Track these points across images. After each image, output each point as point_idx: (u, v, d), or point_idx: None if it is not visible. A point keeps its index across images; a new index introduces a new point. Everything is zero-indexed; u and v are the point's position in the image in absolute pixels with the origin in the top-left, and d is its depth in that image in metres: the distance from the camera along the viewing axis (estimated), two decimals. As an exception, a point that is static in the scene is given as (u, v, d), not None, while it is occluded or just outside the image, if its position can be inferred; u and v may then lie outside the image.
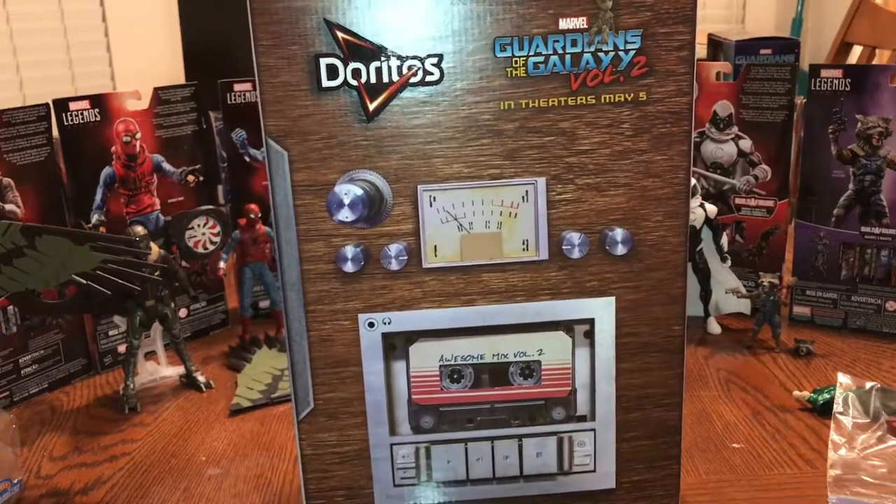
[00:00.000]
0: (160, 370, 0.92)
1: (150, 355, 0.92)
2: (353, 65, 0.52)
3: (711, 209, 0.97)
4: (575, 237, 0.54)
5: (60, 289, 0.85)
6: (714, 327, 0.99)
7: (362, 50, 0.51)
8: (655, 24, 0.51)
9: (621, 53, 0.52)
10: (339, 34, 0.51)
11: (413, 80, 0.52)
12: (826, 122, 0.94)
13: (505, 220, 0.55)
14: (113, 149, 0.93)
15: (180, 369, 0.91)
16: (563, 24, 0.51)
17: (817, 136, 0.95)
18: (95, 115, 0.91)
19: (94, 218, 0.92)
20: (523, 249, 0.56)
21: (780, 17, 2.48)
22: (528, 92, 0.53)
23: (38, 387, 0.89)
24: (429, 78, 0.52)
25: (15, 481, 0.70)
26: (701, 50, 1.34)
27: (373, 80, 0.52)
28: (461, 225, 0.55)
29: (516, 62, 0.52)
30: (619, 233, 0.54)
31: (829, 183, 0.96)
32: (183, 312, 1.01)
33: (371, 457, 0.59)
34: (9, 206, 0.85)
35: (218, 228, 0.96)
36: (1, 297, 0.74)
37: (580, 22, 0.51)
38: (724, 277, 0.99)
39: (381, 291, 0.56)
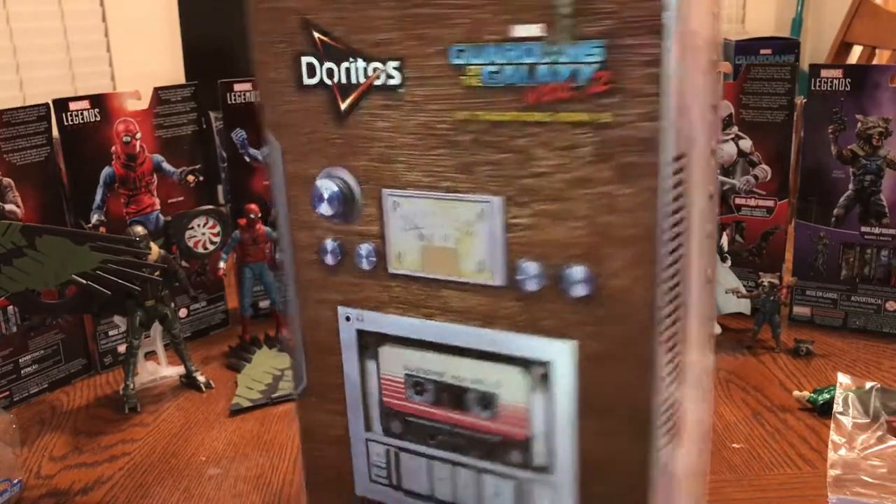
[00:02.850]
0: (160, 370, 0.92)
1: (150, 355, 0.92)
2: (327, 64, 0.52)
3: (711, 209, 0.97)
4: (530, 267, 0.50)
5: (60, 289, 0.85)
6: (714, 327, 0.99)
7: (334, 50, 0.52)
8: (620, 33, 0.45)
9: (581, 67, 0.46)
10: (315, 34, 0.52)
11: (377, 82, 0.52)
12: (826, 122, 0.94)
13: (462, 236, 0.52)
14: (113, 149, 0.93)
15: (180, 369, 0.91)
16: (519, 31, 0.47)
17: (817, 136, 0.95)
18: (95, 115, 0.91)
19: (94, 218, 0.92)
20: (479, 271, 0.52)
21: (779, 16, 2.48)
22: (483, 103, 0.49)
23: (38, 387, 0.89)
24: (390, 82, 0.51)
25: (15, 481, 0.70)
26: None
27: (343, 80, 0.52)
28: (422, 235, 0.54)
29: (471, 71, 0.49)
30: (577, 270, 0.49)
31: (829, 183, 0.96)
32: (183, 312, 1.01)
33: (351, 447, 0.59)
34: (9, 206, 0.85)
35: (218, 228, 0.96)
36: (1, 297, 0.74)
37: (537, 29, 0.46)
38: (724, 277, 0.99)
39: (355, 288, 0.56)
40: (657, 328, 0.49)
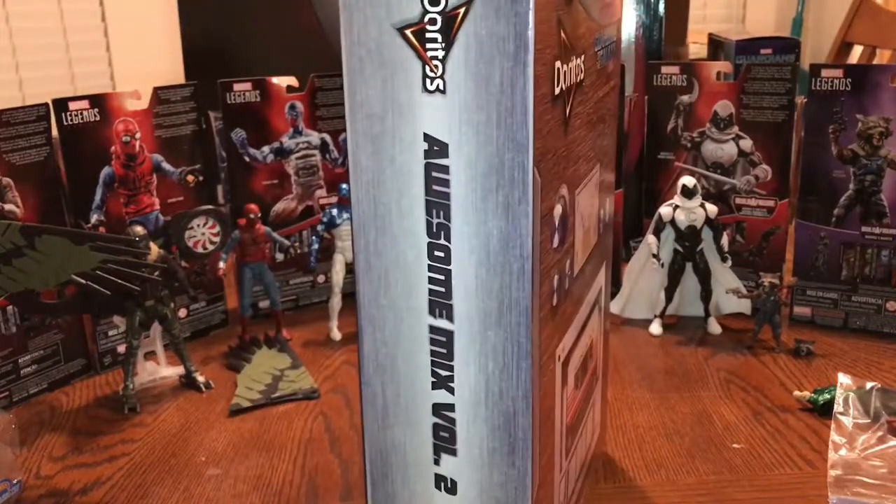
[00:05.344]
0: (160, 370, 0.92)
1: (150, 355, 0.92)
2: (563, 67, 0.46)
3: (712, 209, 0.97)
4: None
5: (60, 289, 0.85)
6: (714, 327, 0.99)
7: (567, 49, 0.47)
8: None
9: None
10: (562, 32, 0.45)
11: (579, 78, 0.52)
12: (826, 121, 0.94)
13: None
14: (112, 149, 0.93)
15: (180, 369, 0.90)
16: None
17: (818, 135, 0.95)
18: (95, 115, 0.91)
19: (94, 218, 0.92)
20: None
21: (780, 16, 2.48)
22: (602, 80, 0.55)
23: (37, 387, 0.89)
24: (580, 77, 0.51)
25: (14, 481, 0.70)
26: (701, 49, 1.34)
27: (567, 82, 0.47)
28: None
29: (599, 54, 0.54)
30: None
31: (829, 183, 0.95)
32: (182, 312, 1.01)
33: None
34: (8, 206, 0.85)
35: (217, 228, 0.96)
36: (1, 297, 0.74)
37: None
38: (724, 277, 0.99)
39: None
40: None
